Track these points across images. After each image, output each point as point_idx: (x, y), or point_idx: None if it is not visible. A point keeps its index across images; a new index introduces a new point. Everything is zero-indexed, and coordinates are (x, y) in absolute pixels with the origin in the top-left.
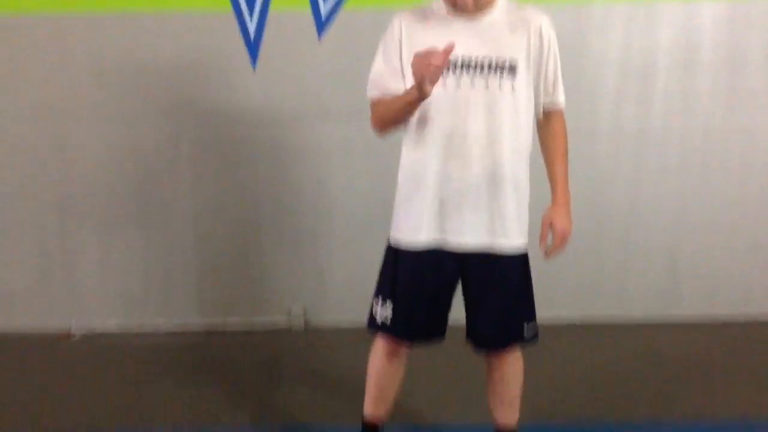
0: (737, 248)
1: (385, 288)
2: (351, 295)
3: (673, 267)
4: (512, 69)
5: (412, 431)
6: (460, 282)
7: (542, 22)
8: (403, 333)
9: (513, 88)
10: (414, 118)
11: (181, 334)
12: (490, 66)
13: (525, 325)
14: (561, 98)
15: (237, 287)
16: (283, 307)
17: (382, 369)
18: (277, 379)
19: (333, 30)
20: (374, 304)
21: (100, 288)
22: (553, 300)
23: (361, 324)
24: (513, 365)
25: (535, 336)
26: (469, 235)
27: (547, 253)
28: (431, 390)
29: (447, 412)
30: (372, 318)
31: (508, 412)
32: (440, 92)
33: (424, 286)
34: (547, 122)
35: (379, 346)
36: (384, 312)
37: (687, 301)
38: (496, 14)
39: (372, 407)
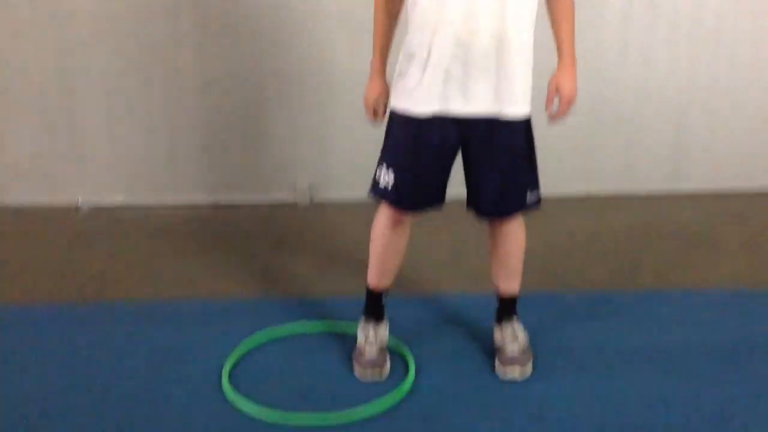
0: (744, 119)
1: (389, 156)
2: (355, 171)
3: (679, 141)
4: None
5: (415, 301)
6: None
7: None
8: (404, 201)
9: None
10: None
11: (187, 208)
12: None
13: (528, 192)
14: None
15: (242, 163)
16: (288, 183)
17: (385, 238)
18: (282, 253)
19: None
20: (377, 171)
21: (107, 162)
22: (559, 176)
23: (366, 199)
24: (515, 233)
25: (538, 202)
26: (475, 102)
27: (552, 118)
28: (434, 261)
29: (450, 282)
30: (375, 183)
31: (510, 280)
32: None
33: (426, 154)
34: None
35: (383, 214)
36: (387, 178)
37: (693, 176)
38: None
39: (376, 278)
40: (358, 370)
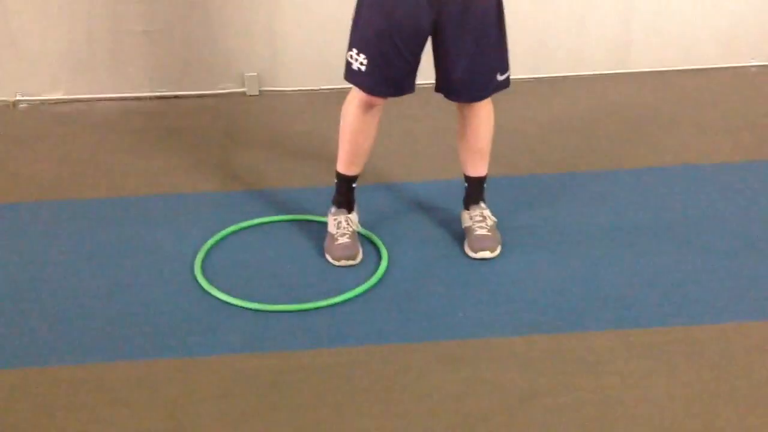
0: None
1: (358, 40)
2: (304, 60)
3: (627, 23)
4: None
5: (384, 189)
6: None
7: None
8: (376, 86)
9: None
10: None
11: (133, 100)
12: None
13: (498, 75)
14: None
15: (187, 53)
16: (237, 74)
17: (356, 122)
18: (234, 145)
19: None
20: (349, 56)
21: (44, 56)
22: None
23: (316, 88)
24: (485, 115)
25: (506, 82)
26: None
27: None
28: (403, 150)
29: (418, 169)
30: (348, 67)
31: (479, 163)
32: None
33: (398, 37)
34: None
35: (354, 99)
36: (358, 63)
37: (639, 55)
38: None
39: (346, 165)
40: (331, 257)
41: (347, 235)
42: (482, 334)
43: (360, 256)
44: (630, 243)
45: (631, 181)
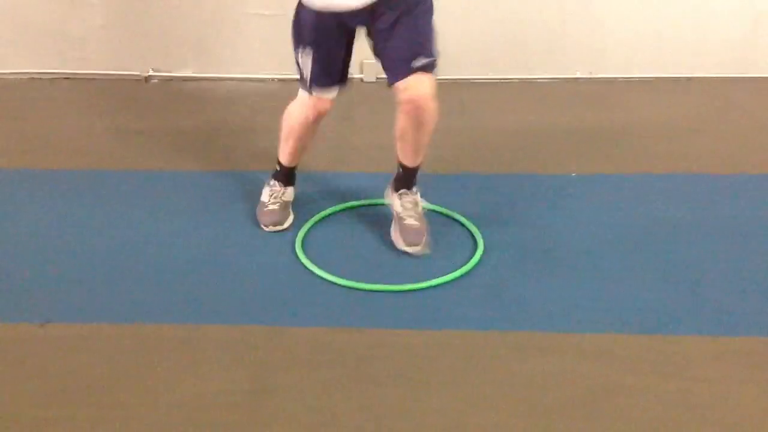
0: None
1: (300, 40)
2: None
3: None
4: None
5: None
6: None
7: None
8: (322, 81)
9: None
10: None
11: (255, 81)
12: None
13: (420, 57)
14: None
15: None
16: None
17: (305, 127)
18: (346, 129)
19: None
20: (298, 59)
21: (175, 35)
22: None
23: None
24: (426, 108)
25: (431, 66)
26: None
27: None
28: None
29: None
30: (301, 75)
31: (412, 156)
32: None
33: (327, 34)
34: None
35: (305, 107)
36: (306, 61)
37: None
38: None
39: (289, 159)
40: (261, 223)
41: (277, 204)
42: (569, 328)
43: (288, 222)
44: (737, 249)
45: (748, 183)
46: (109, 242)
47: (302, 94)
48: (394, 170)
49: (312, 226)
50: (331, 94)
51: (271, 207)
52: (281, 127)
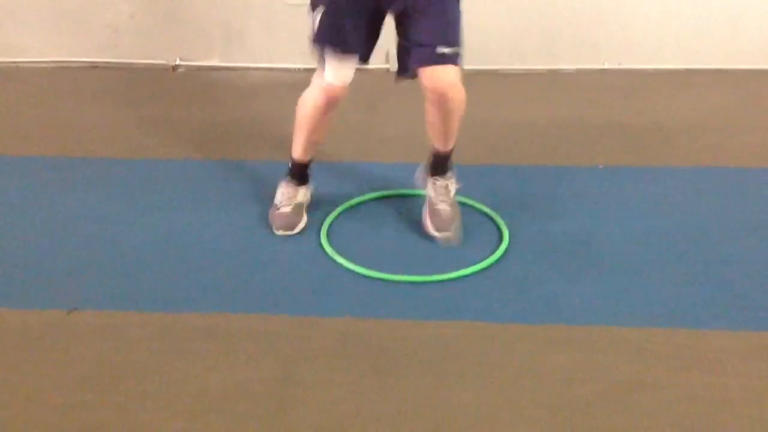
0: None
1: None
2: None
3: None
4: None
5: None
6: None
7: None
8: (331, 38)
9: None
10: None
11: (282, 71)
12: None
13: (441, 47)
14: None
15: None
16: (381, 50)
17: (317, 117)
18: (371, 119)
19: None
20: (313, 18)
21: (203, 24)
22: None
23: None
24: (452, 97)
25: (455, 57)
26: None
27: None
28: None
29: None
30: (313, 30)
31: (443, 141)
32: None
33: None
34: None
35: (318, 94)
36: (317, 16)
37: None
38: None
39: (300, 152)
40: (273, 226)
41: (290, 206)
42: (596, 320)
43: (300, 227)
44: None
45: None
46: (135, 231)
47: (315, 80)
48: (423, 158)
49: (336, 217)
50: (345, 66)
51: (283, 209)
52: (295, 118)
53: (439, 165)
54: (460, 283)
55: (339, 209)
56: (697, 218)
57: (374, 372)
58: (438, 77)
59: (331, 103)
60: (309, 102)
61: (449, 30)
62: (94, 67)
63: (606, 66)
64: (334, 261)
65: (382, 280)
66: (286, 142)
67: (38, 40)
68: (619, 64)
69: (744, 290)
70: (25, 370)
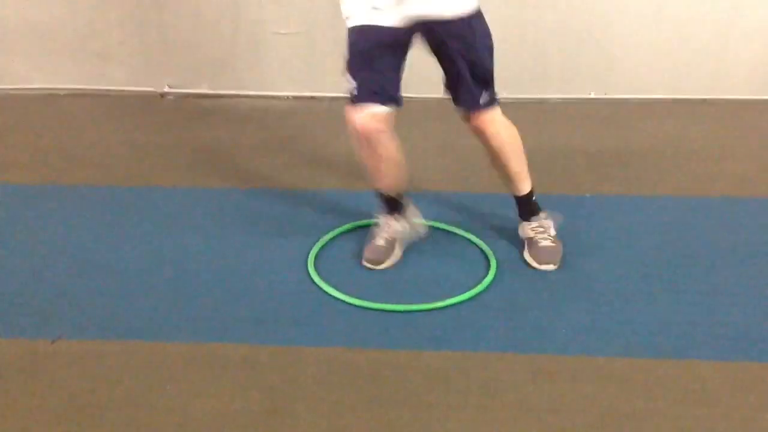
0: None
1: (348, 64)
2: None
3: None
4: None
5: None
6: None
7: None
8: (365, 96)
9: None
10: None
11: (271, 99)
12: None
13: (483, 91)
14: None
15: (329, 55)
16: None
17: (364, 147)
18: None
19: None
20: (347, 83)
21: (191, 52)
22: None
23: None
24: (498, 132)
25: (491, 102)
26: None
27: None
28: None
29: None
30: (349, 93)
31: (512, 185)
32: None
33: (377, 47)
34: None
35: (351, 121)
36: (350, 84)
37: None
38: None
39: (377, 183)
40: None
41: (383, 239)
42: (583, 351)
43: (386, 264)
44: (756, 273)
45: (765, 207)
46: (122, 258)
47: (347, 109)
48: (419, 185)
49: (324, 245)
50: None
51: (377, 242)
52: None
53: (525, 209)
54: (448, 312)
55: (326, 237)
56: (684, 247)
57: (362, 401)
58: (483, 123)
59: (370, 133)
60: (352, 135)
61: (488, 78)
62: (83, 94)
63: (593, 95)
64: (322, 290)
65: (369, 309)
66: (276, 170)
67: (26, 67)
68: (605, 94)
69: (732, 320)
70: (8, 401)
